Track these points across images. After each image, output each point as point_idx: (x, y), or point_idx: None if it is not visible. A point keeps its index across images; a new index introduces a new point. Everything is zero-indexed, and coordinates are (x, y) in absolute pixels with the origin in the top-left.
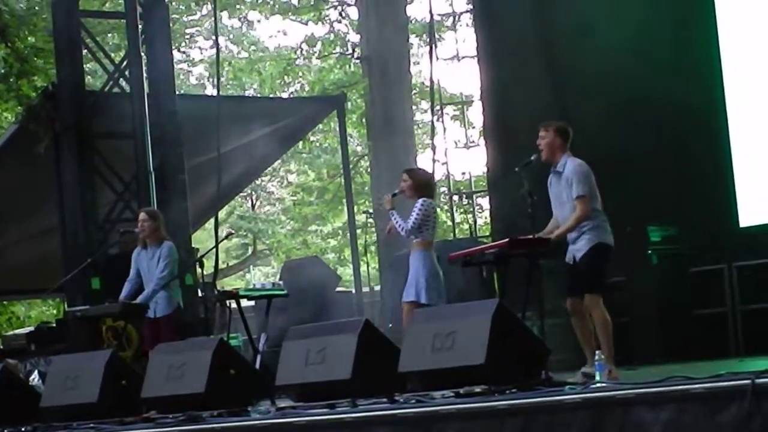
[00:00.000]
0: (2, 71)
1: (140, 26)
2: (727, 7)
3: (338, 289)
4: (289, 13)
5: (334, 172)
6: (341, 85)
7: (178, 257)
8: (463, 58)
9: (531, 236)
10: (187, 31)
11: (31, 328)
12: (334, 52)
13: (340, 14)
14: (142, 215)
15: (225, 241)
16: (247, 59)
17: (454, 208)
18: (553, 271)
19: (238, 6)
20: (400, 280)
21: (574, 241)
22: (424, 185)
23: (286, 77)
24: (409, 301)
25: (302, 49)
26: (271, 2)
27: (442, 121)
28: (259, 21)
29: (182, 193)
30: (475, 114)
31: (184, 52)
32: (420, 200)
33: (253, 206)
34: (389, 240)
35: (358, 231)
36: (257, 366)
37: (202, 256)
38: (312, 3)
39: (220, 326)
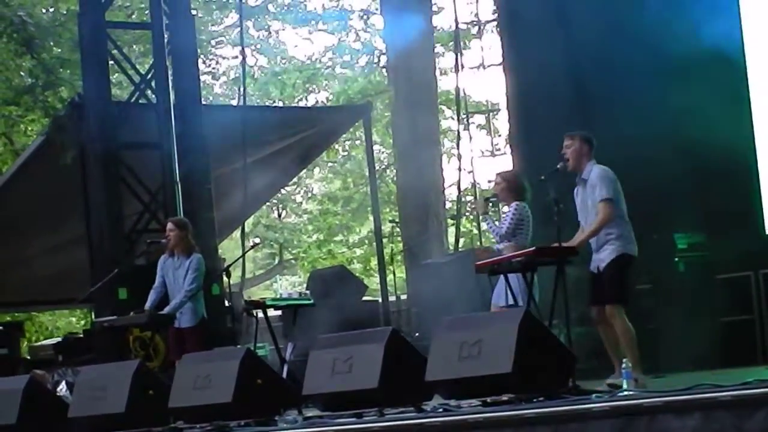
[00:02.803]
0: (28, 82)
1: (166, 37)
2: (753, 15)
3: (365, 298)
4: (313, 22)
5: (360, 181)
6: (366, 94)
7: (205, 269)
8: (489, 66)
9: (558, 244)
10: (213, 41)
11: (59, 339)
12: (359, 61)
13: (365, 23)
14: (169, 225)
15: (251, 250)
16: (271, 69)
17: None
18: (579, 279)
19: (263, 16)
20: (427, 289)
21: (597, 249)
22: (517, 187)
23: (310, 86)
24: (503, 305)
25: (328, 58)
26: (295, 11)
27: (468, 130)
28: (283, 29)
29: (208, 204)
30: (501, 122)
31: (209, 63)
32: (514, 204)
33: (279, 216)
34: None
35: (384, 240)
36: (284, 375)
37: (229, 266)
38: (337, 12)
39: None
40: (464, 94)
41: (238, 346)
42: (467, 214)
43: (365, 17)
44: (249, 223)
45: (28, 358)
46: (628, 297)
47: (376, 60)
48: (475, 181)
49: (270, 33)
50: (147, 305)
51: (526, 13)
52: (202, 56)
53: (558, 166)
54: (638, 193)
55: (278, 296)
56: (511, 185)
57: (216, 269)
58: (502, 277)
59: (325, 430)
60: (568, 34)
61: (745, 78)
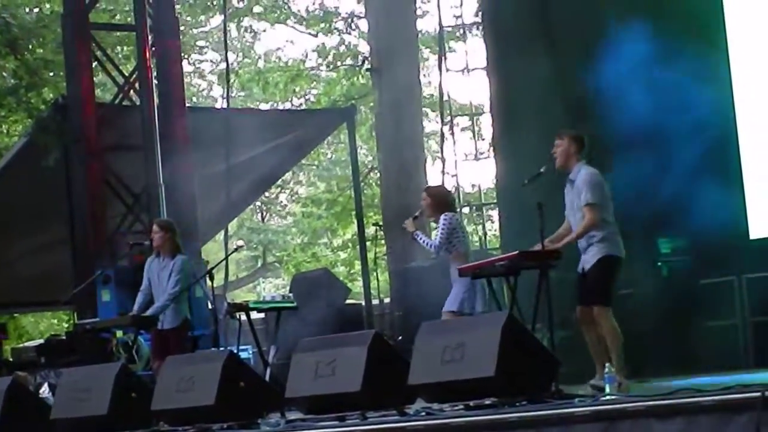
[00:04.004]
0: (12, 84)
1: (150, 39)
2: (736, 14)
3: (348, 301)
4: (297, 21)
5: (344, 184)
6: (350, 96)
7: (191, 270)
8: (473, 69)
9: (541, 248)
10: (197, 43)
11: (41, 341)
12: (343, 63)
13: (350, 26)
14: (154, 227)
15: (235, 253)
16: (255, 70)
17: (464, 220)
18: (562, 283)
19: (247, 17)
20: (410, 293)
21: (584, 250)
22: (443, 201)
23: (295, 88)
24: (448, 311)
25: (312, 60)
26: (278, 13)
27: (452, 133)
28: (265, 30)
29: (192, 206)
30: (486, 125)
31: (193, 64)
32: (442, 216)
33: (263, 218)
34: (399, 253)
35: (368, 243)
36: (267, 378)
37: (212, 268)
38: (322, 15)
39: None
40: (448, 96)
41: (221, 349)
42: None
43: (350, 20)
44: (233, 225)
45: (11, 360)
46: (611, 298)
47: (360, 63)
48: (458, 184)
49: (255, 34)
50: (135, 308)
51: (510, 16)
52: (185, 58)
53: (541, 169)
54: (622, 197)
55: (261, 299)
56: (436, 200)
57: (199, 271)
58: (455, 285)
59: None
60: (551, 37)
61: (730, 82)
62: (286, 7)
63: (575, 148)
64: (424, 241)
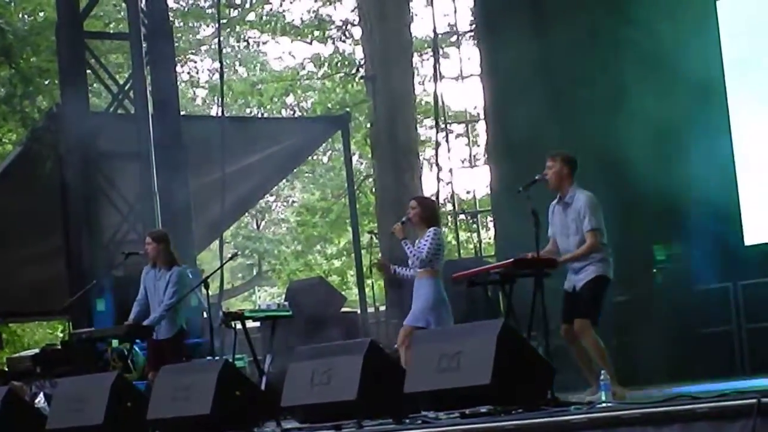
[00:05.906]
0: (6, 92)
1: (144, 47)
2: (728, 18)
3: (343, 309)
4: (293, 32)
5: (339, 191)
6: (345, 104)
7: (188, 281)
8: (468, 76)
9: (536, 256)
10: (192, 51)
11: (37, 351)
12: (338, 71)
13: (344, 34)
14: (147, 238)
15: (230, 261)
16: (249, 79)
17: (459, 227)
18: (558, 291)
19: (240, 27)
20: (406, 301)
21: (577, 271)
22: (432, 214)
23: (288, 98)
24: (412, 326)
25: (306, 69)
26: (273, 22)
27: (447, 140)
28: (265, 42)
29: (187, 214)
30: (481, 132)
31: (188, 73)
32: (431, 229)
33: (258, 226)
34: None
35: (363, 251)
36: (263, 387)
37: (207, 277)
38: (316, 23)
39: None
40: (443, 103)
41: (217, 358)
42: (446, 224)
43: (344, 27)
44: (228, 233)
45: (6, 369)
46: (598, 316)
47: (354, 70)
48: (453, 191)
49: (248, 43)
50: (130, 317)
51: (503, 23)
52: (180, 66)
53: (536, 177)
54: (617, 205)
55: (257, 307)
56: (426, 212)
57: (194, 280)
58: (415, 299)
59: None
60: (543, 45)
61: (724, 88)
62: (280, 16)
63: (568, 170)
64: (410, 251)
